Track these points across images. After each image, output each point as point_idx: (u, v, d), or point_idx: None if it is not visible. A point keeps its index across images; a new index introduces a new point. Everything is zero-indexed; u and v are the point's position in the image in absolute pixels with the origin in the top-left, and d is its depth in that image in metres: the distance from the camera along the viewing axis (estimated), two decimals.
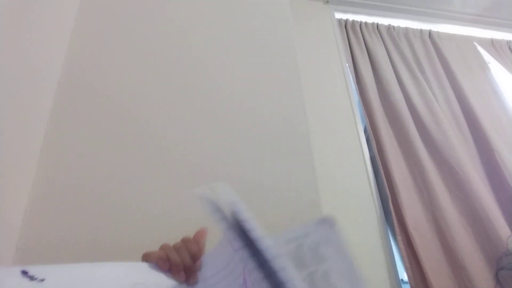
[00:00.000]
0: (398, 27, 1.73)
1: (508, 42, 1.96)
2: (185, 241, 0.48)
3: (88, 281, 0.36)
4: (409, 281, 1.13)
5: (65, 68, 0.70)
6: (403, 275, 1.18)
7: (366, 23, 1.67)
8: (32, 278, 0.33)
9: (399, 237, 1.19)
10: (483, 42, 1.89)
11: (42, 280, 0.33)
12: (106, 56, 0.74)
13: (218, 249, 0.47)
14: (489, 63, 1.81)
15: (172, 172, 0.66)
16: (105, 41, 0.75)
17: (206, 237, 0.50)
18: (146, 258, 0.45)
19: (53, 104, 0.66)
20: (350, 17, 1.69)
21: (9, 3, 0.52)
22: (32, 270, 0.34)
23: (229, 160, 0.70)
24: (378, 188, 1.30)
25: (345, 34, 1.61)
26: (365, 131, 1.41)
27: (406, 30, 1.74)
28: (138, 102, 0.71)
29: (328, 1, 1.68)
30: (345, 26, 1.64)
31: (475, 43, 1.87)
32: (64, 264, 0.36)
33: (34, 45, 0.60)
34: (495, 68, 1.80)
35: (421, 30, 1.77)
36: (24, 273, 0.33)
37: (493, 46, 1.90)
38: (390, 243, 1.21)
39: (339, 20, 1.65)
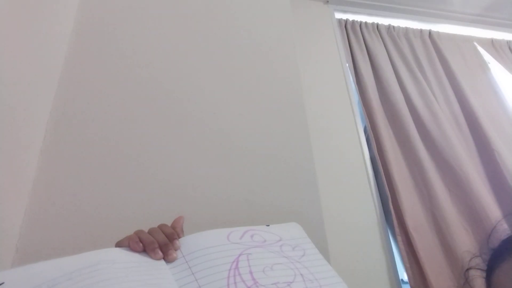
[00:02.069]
0: (398, 27, 1.73)
1: (508, 42, 1.95)
2: (160, 225, 0.49)
3: (51, 270, 0.36)
4: (409, 281, 1.13)
5: (65, 68, 0.70)
6: (403, 275, 1.18)
7: (366, 23, 1.67)
8: None
9: (399, 237, 1.19)
10: (483, 42, 1.89)
11: (2, 283, 0.34)
12: (106, 57, 0.74)
13: (205, 235, 0.48)
14: (489, 63, 1.81)
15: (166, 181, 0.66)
16: (106, 41, 0.75)
17: (183, 223, 0.52)
18: (118, 244, 0.45)
19: (53, 104, 0.66)
20: (350, 17, 1.69)
21: (9, 3, 0.52)
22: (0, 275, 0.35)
23: (228, 165, 0.70)
24: (378, 188, 1.30)
25: (345, 34, 1.61)
26: (365, 131, 1.41)
27: (406, 30, 1.74)
28: (138, 101, 0.71)
29: (328, 1, 1.68)
30: (345, 26, 1.64)
31: (475, 43, 1.87)
32: (31, 264, 0.36)
33: (34, 45, 0.60)
34: (495, 68, 1.80)
35: (421, 30, 1.77)
36: None
37: (493, 46, 1.90)
38: (390, 243, 1.21)
39: (339, 20, 1.65)
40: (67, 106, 0.67)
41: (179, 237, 0.48)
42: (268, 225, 0.54)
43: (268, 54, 0.84)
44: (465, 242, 1.14)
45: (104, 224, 0.58)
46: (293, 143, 0.75)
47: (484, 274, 0.54)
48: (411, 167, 1.32)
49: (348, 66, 1.51)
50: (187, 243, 0.47)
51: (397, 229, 1.20)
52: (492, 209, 1.20)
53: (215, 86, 0.77)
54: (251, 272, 0.43)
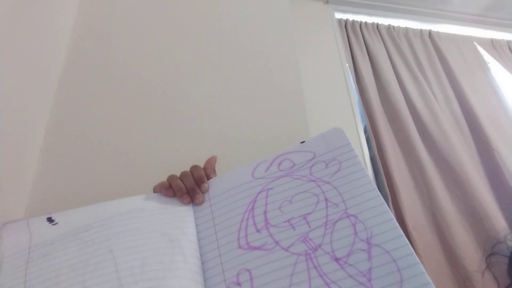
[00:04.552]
0: (398, 27, 1.73)
1: (508, 42, 1.95)
2: (192, 167, 0.51)
3: (91, 215, 0.44)
4: None
5: (65, 68, 0.70)
6: None
7: (366, 23, 1.67)
8: (51, 222, 0.43)
9: None
10: (483, 42, 1.89)
11: (56, 223, 0.43)
12: (107, 56, 0.74)
13: (233, 174, 0.50)
14: (489, 63, 1.81)
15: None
16: (106, 41, 0.75)
17: (215, 163, 0.54)
18: (154, 189, 0.50)
19: (53, 104, 0.66)
20: (350, 17, 1.69)
21: (9, 3, 0.52)
22: (55, 216, 0.44)
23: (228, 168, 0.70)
24: (378, 188, 1.29)
25: (345, 34, 1.61)
26: (365, 131, 1.41)
27: (406, 30, 1.74)
28: (138, 101, 0.71)
29: (328, 1, 1.68)
30: (345, 26, 1.64)
31: (475, 43, 1.87)
32: (77, 208, 0.45)
33: (34, 45, 0.60)
34: (495, 68, 1.80)
35: (421, 30, 1.77)
36: (48, 218, 0.44)
37: (493, 46, 1.90)
38: None
39: (339, 20, 1.65)
40: (67, 106, 0.67)
41: (210, 178, 0.50)
42: (303, 142, 0.52)
43: (268, 54, 0.84)
44: (465, 242, 1.14)
45: None
46: (293, 143, 0.75)
47: (507, 261, 0.53)
48: (411, 167, 1.32)
49: (348, 66, 1.51)
50: (215, 184, 0.49)
51: None
52: (492, 209, 1.20)
53: (214, 86, 0.77)
54: (265, 212, 0.44)
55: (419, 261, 0.36)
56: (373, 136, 1.37)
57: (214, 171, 0.53)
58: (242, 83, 0.79)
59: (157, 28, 0.80)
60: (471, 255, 1.11)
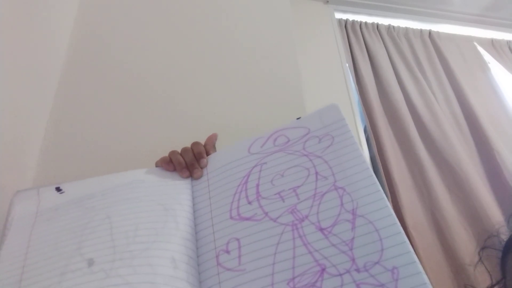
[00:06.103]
0: (398, 27, 1.73)
1: (508, 42, 1.95)
2: (192, 143, 0.53)
3: (95, 185, 0.47)
4: None
5: (65, 68, 0.70)
6: None
7: (366, 23, 1.67)
8: (59, 190, 0.46)
9: None
10: (483, 42, 1.89)
11: (63, 192, 0.46)
12: (107, 57, 0.74)
13: (230, 149, 0.51)
14: (489, 63, 1.81)
15: None
16: (106, 41, 0.75)
17: (216, 140, 0.56)
18: (156, 164, 0.52)
19: (53, 104, 0.66)
20: (350, 17, 1.69)
21: (9, 3, 0.52)
22: (63, 185, 0.47)
23: None
24: None
25: (345, 34, 1.61)
26: (365, 131, 1.41)
27: (406, 30, 1.74)
28: (138, 101, 0.71)
29: (328, 1, 1.68)
30: (345, 26, 1.64)
31: (475, 43, 1.86)
32: (83, 180, 0.48)
33: (34, 45, 0.60)
34: (495, 68, 1.79)
35: (421, 30, 1.77)
36: (56, 188, 0.47)
37: (493, 46, 1.90)
38: None
39: (339, 20, 1.65)
40: (67, 106, 0.67)
41: (209, 154, 0.52)
42: (299, 118, 0.53)
43: (268, 54, 0.84)
44: (465, 242, 1.14)
45: None
46: None
47: (499, 255, 0.53)
48: (411, 167, 1.32)
49: (348, 66, 1.51)
50: (213, 160, 0.51)
51: None
52: (492, 209, 1.20)
53: (214, 86, 0.77)
54: (257, 185, 0.45)
55: (402, 230, 0.36)
56: (373, 136, 1.37)
57: (214, 147, 0.55)
58: (242, 83, 0.79)
59: (157, 28, 0.80)
60: (470, 254, 1.11)
